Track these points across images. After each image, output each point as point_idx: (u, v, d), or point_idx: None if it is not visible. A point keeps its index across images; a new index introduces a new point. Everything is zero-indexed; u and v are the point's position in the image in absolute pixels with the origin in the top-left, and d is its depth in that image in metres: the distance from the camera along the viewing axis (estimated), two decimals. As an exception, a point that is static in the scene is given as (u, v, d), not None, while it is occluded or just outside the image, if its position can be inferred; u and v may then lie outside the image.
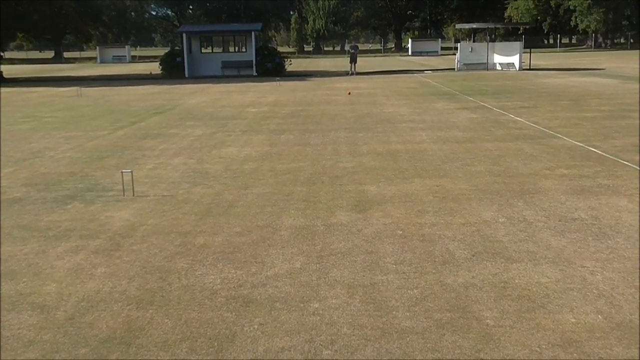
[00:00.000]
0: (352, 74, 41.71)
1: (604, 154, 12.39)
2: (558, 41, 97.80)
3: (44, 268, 6.88)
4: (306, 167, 11.90)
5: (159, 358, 4.86)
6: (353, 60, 42.56)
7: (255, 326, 5.39)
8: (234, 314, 5.63)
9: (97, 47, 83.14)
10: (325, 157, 12.84)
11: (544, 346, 4.92)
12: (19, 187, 10.72)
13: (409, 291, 6.02)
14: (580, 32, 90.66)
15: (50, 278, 6.58)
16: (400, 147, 13.72)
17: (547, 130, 15.49)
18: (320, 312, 5.62)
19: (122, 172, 10.51)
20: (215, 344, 5.10)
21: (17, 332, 5.37)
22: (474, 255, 6.94)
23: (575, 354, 4.78)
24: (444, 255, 6.96)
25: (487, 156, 12.45)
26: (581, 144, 13.48)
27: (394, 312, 5.58)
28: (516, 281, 6.19)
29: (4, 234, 8.09)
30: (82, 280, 6.49)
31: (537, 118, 17.84)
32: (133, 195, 9.93)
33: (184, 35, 43.09)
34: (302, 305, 5.78)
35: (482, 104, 22.04)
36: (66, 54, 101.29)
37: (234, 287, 6.23)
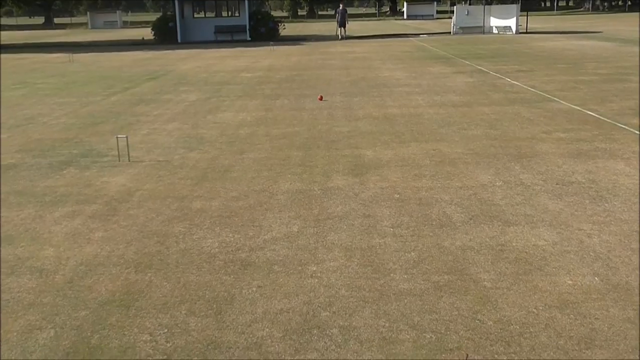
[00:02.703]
0: (341, 38, 41.15)
1: (601, 117, 12.35)
2: (555, 4, 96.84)
3: (41, 233, 6.87)
4: (302, 131, 11.83)
5: (158, 320, 4.89)
6: (341, 25, 41.88)
7: (254, 289, 5.41)
8: (232, 276, 5.65)
9: (88, 13, 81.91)
10: (321, 121, 12.77)
11: (540, 307, 4.96)
12: (13, 154, 10.63)
13: (406, 254, 6.04)
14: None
15: (48, 242, 6.57)
16: (397, 111, 13.65)
17: (544, 94, 15.41)
18: (318, 274, 5.65)
19: (117, 137, 10.43)
20: (214, 306, 5.12)
21: (17, 295, 5.37)
22: (471, 219, 6.95)
23: (572, 315, 4.83)
24: (441, 219, 6.98)
25: (483, 120, 12.39)
26: (578, 108, 13.43)
27: (391, 275, 5.60)
28: (513, 244, 6.22)
29: (-1, 200, 8.06)
30: (80, 245, 6.49)
31: (534, 82, 17.74)
32: (129, 160, 9.87)
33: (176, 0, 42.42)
34: (300, 268, 5.80)
35: (479, 67, 21.88)
36: (57, 20, 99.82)
37: (231, 250, 6.24)
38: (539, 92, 15.84)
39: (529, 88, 16.54)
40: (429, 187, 8.14)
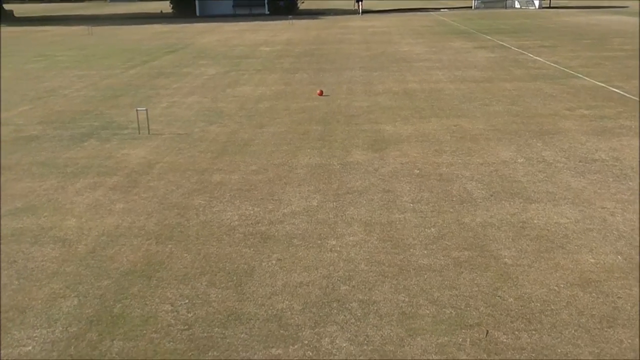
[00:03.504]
0: (359, 13, 40.67)
1: (626, 94, 12.12)
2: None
3: (63, 203, 6.94)
4: (321, 106, 11.77)
5: (179, 291, 4.93)
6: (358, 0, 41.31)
7: (274, 261, 5.43)
8: (252, 249, 5.67)
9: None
10: (341, 96, 12.68)
11: (562, 285, 4.93)
12: (35, 125, 10.72)
13: (426, 229, 6.02)
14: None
15: (70, 213, 6.64)
16: (417, 87, 13.51)
17: (568, 70, 15.15)
18: (338, 249, 5.65)
19: (136, 110, 10.46)
20: (234, 278, 5.15)
21: (40, 264, 5.45)
22: (492, 195, 6.89)
23: (594, 294, 4.79)
24: (461, 195, 6.93)
25: (505, 96, 12.23)
26: (603, 84, 13.19)
27: (411, 250, 5.59)
28: (535, 221, 6.16)
29: (23, 170, 8.14)
30: (102, 216, 6.55)
31: (557, 57, 17.43)
32: (148, 133, 9.91)
33: (195, -29, 42.11)
34: (319, 242, 5.80)
35: (501, 43, 21.54)
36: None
37: (251, 223, 6.26)
38: (562, 68, 15.57)
39: (552, 64, 16.27)
40: (450, 163, 8.08)
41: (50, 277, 5.23)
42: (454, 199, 6.79)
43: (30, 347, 4.24)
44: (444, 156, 8.36)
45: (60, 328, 4.46)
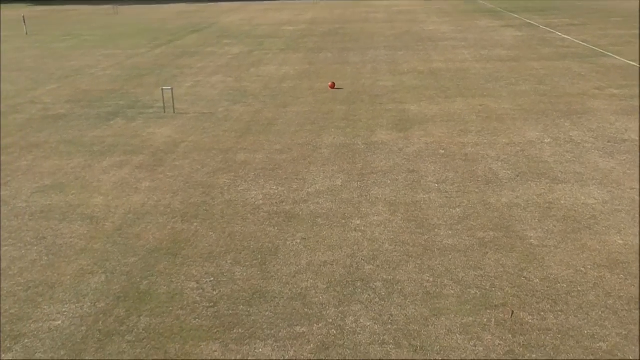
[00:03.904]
0: None
1: (657, 73, 11.85)
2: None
3: (90, 181, 7.03)
4: (345, 85, 11.70)
5: (205, 268, 4.98)
6: None
7: (298, 240, 5.45)
8: (276, 228, 5.70)
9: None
10: (365, 75, 12.59)
11: (589, 266, 4.87)
12: (62, 104, 10.84)
13: (451, 210, 5.98)
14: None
15: (97, 191, 6.73)
16: (442, 66, 13.35)
17: (597, 49, 14.82)
18: (362, 228, 5.65)
19: (162, 89, 10.51)
20: (259, 256, 5.18)
21: (69, 241, 5.54)
22: (518, 176, 6.81)
23: (622, 275, 4.72)
24: (487, 175, 6.86)
25: (532, 75, 12.02)
26: (633, 63, 12.88)
27: (436, 230, 5.56)
28: (562, 202, 6.08)
29: (51, 149, 8.25)
30: (128, 194, 6.62)
31: (587, 36, 17.06)
32: (174, 112, 9.96)
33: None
34: (343, 221, 5.80)
35: (528, 21, 21.13)
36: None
37: (276, 202, 6.28)
38: (591, 46, 15.24)
39: (581, 42, 15.92)
40: (475, 143, 7.99)
41: (79, 253, 5.32)
42: (480, 180, 6.72)
43: (59, 322, 4.33)
44: (469, 136, 8.27)
45: (89, 303, 4.54)
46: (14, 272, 5.04)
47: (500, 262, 4.97)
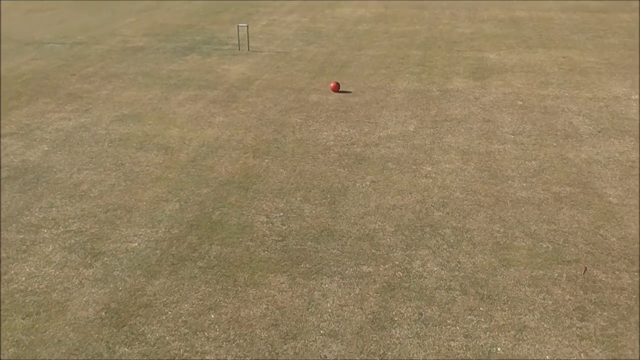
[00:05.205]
0: None
1: None
2: None
3: (166, 113, 7.19)
4: (422, 30, 11.38)
5: (274, 204, 5.06)
6: None
7: (367, 183, 5.44)
8: (346, 169, 5.70)
9: None
10: (443, 21, 12.19)
11: (671, 228, 4.66)
12: (140, 37, 11.04)
13: (526, 162, 5.80)
14: None
15: (172, 123, 6.88)
16: (525, 15, 12.75)
17: (697, 3, 13.81)
18: (433, 175, 5.57)
19: (237, 26, 10.53)
20: (328, 195, 5.21)
21: (145, 169, 5.73)
22: (599, 132, 6.52)
23: None
24: (566, 129, 6.60)
25: (622, 27, 11.34)
26: None
27: (509, 182, 5.43)
28: (646, 161, 5.80)
29: (129, 79, 8.46)
30: (202, 127, 6.74)
31: (686, -11, 15.88)
32: (248, 49, 9.98)
33: None
34: (414, 167, 5.74)
35: (622, -29, 19.82)
36: None
37: (346, 144, 6.26)
38: (690, 0, 14.19)
39: (680, -5, 14.84)
40: (556, 95, 7.67)
41: (154, 181, 5.49)
42: (558, 133, 6.48)
43: (135, 244, 4.52)
44: (550, 88, 7.94)
45: (163, 229, 4.71)
46: (94, 194, 5.26)
47: (576, 218, 4.82)
